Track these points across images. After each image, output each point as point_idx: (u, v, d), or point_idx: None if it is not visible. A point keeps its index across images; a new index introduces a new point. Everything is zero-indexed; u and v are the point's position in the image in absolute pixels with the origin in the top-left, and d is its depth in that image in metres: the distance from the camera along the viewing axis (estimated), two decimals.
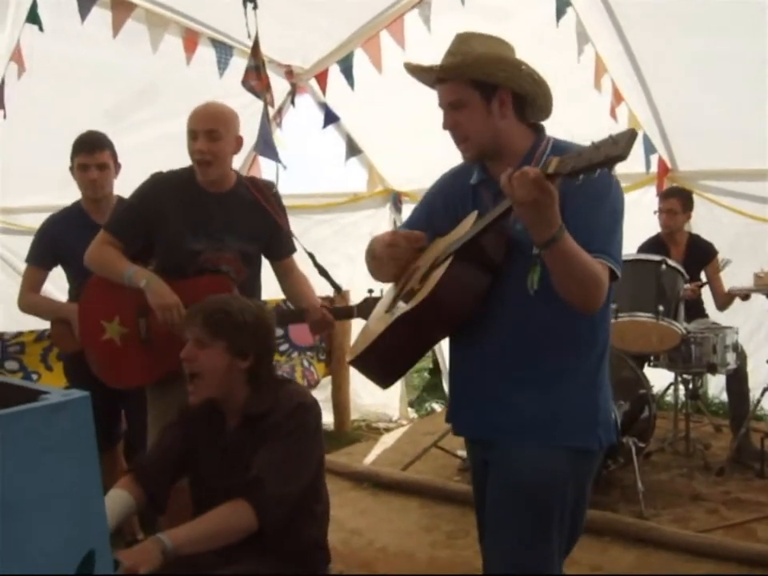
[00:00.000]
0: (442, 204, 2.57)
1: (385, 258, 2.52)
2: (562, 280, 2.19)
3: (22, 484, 1.17)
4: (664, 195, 5.89)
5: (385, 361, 2.45)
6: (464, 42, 2.37)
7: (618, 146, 1.84)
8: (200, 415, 2.86)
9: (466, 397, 2.54)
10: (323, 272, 3.69)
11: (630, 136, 1.84)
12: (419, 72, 2.44)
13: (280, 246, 3.66)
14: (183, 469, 2.91)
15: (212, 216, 3.46)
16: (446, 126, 2.41)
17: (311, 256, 3.74)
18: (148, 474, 2.81)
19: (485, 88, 2.32)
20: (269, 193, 3.60)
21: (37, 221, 4.39)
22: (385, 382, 2.53)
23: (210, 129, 3.36)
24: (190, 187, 3.48)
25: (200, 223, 3.44)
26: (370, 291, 3.46)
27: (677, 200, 5.79)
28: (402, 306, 2.36)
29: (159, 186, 3.50)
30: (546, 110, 2.44)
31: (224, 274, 3.46)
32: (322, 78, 5.55)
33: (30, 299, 4.12)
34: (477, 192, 2.47)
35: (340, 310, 3.55)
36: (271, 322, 2.88)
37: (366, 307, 3.49)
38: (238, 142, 3.50)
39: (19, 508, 1.17)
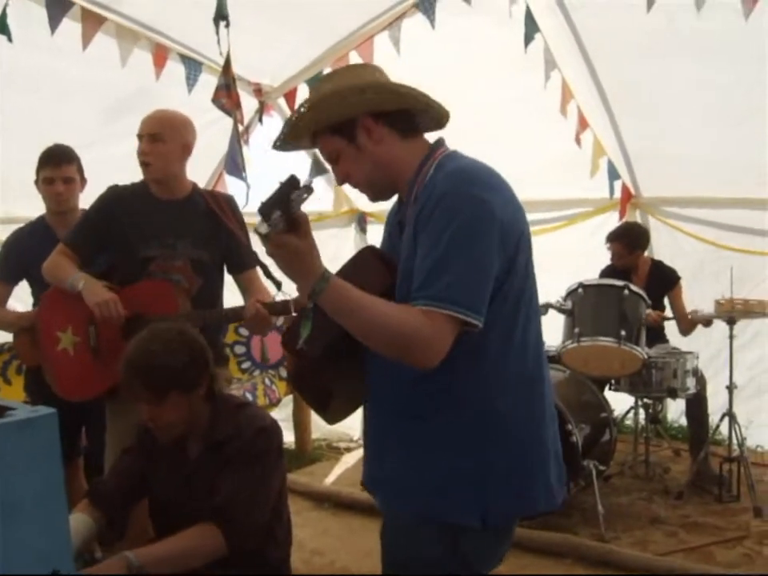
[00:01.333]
0: (387, 233, 2.37)
1: None
2: (356, 335, 1.96)
3: None
4: (608, 237, 5.86)
5: (309, 397, 2.30)
6: (314, 88, 2.22)
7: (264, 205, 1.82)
8: (158, 441, 2.81)
9: (366, 443, 2.37)
10: (263, 267, 3.62)
11: (284, 182, 1.80)
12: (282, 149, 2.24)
13: (237, 259, 3.64)
14: (141, 493, 2.90)
15: (163, 222, 3.48)
16: (338, 182, 2.22)
17: (254, 254, 3.66)
18: (106, 499, 2.78)
19: (342, 128, 2.10)
20: (226, 206, 3.61)
21: (2, 231, 4.35)
22: (321, 414, 2.30)
23: (154, 132, 3.43)
24: (144, 197, 3.53)
25: (151, 230, 3.46)
26: None
27: (619, 244, 5.79)
28: None
29: (113, 196, 3.55)
30: (433, 115, 2.18)
31: (173, 281, 3.45)
32: (290, 97, 5.56)
33: None
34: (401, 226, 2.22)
35: (275, 305, 3.44)
36: (197, 338, 2.77)
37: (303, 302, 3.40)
38: (185, 149, 3.53)
39: None
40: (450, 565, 2.06)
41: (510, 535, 2.21)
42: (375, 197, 2.24)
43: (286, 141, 2.19)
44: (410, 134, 2.15)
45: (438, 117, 2.20)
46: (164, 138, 3.43)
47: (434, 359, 1.92)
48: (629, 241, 5.79)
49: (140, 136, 3.46)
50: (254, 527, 2.65)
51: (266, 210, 1.83)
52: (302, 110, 2.10)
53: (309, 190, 1.83)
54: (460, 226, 1.92)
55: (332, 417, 2.30)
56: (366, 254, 2.26)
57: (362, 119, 2.08)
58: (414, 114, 2.15)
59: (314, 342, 2.02)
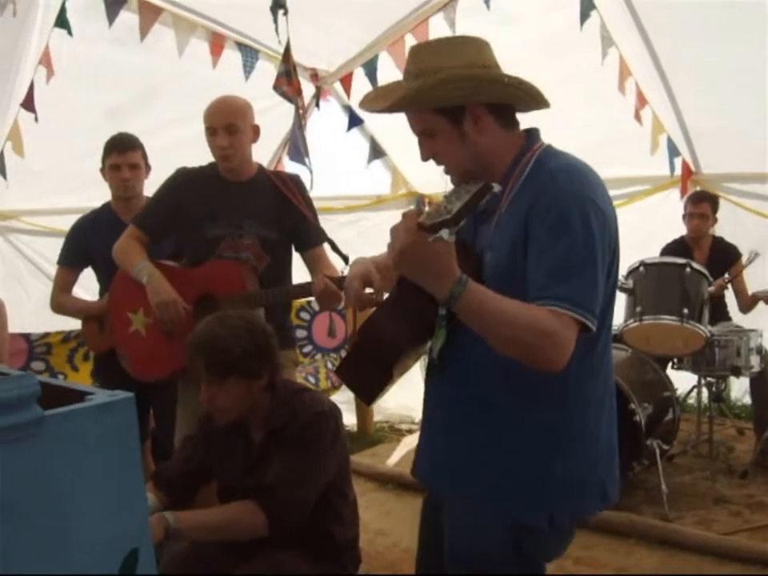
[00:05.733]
0: None
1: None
2: (489, 340, 1.90)
3: (67, 482, 1.20)
4: (696, 199, 5.85)
5: (356, 380, 2.25)
6: (416, 57, 2.09)
7: (457, 203, 1.67)
8: (221, 429, 2.86)
9: (423, 434, 2.35)
10: (330, 242, 3.66)
11: (477, 190, 1.66)
12: (370, 110, 2.21)
13: (306, 236, 3.66)
14: (204, 478, 2.97)
15: (231, 202, 3.52)
16: (423, 158, 2.16)
17: (321, 231, 3.71)
18: (169, 483, 2.86)
19: (450, 112, 2.04)
20: (292, 184, 3.64)
21: (64, 223, 4.44)
22: (363, 398, 2.32)
23: (228, 123, 3.45)
24: (211, 178, 3.57)
25: (219, 210, 3.51)
26: None
27: (709, 204, 5.79)
28: None
29: (181, 178, 3.61)
30: (537, 104, 2.14)
31: (241, 261, 3.50)
32: (346, 81, 5.59)
33: (62, 300, 4.17)
34: None
35: (344, 279, 3.46)
36: (264, 329, 2.80)
37: None
38: (255, 131, 3.58)
39: (64, 506, 1.20)
40: (513, 561, 2.10)
41: (573, 532, 2.24)
42: (460, 180, 2.15)
43: (375, 104, 2.16)
44: (510, 126, 2.13)
45: (529, 107, 2.16)
46: (239, 127, 3.46)
47: (563, 360, 1.89)
48: (715, 203, 5.81)
49: (211, 128, 3.48)
50: (297, 508, 2.69)
51: (444, 213, 1.73)
52: (411, 84, 2.03)
53: (494, 194, 1.77)
54: (580, 229, 1.91)
55: (374, 399, 2.30)
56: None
57: (473, 107, 2.04)
58: (513, 106, 2.13)
59: (402, 334, 2.07)
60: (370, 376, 2.18)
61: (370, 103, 2.20)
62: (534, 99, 2.10)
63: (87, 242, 4.08)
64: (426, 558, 2.45)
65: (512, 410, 2.07)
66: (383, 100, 2.12)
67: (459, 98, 2.01)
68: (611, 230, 2.02)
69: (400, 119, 2.18)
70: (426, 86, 1.99)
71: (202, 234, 3.52)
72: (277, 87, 4.62)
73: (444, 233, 1.73)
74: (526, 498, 2.07)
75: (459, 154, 2.09)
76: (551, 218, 1.90)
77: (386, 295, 2.31)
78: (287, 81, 4.58)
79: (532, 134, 2.16)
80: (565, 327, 1.86)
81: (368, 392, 2.25)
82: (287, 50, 4.53)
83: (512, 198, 2.05)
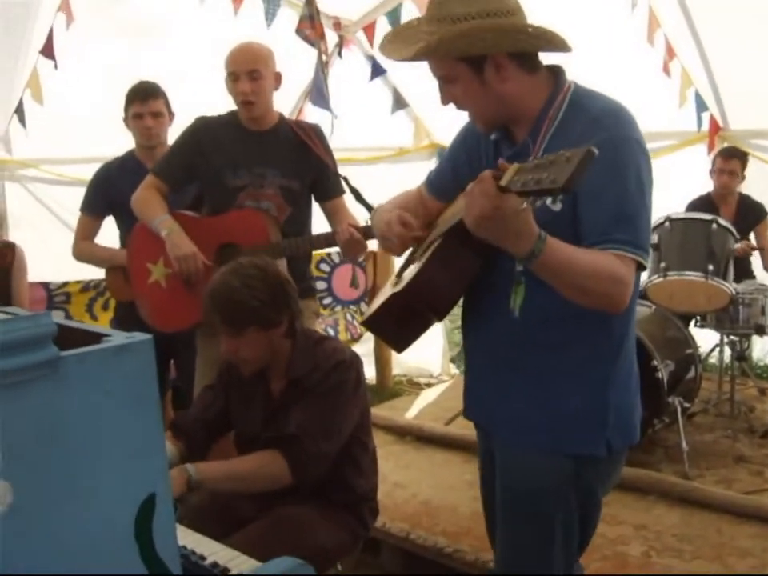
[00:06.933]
0: (466, 157, 2.35)
1: (379, 232, 2.37)
2: (565, 292, 1.95)
3: (85, 425, 1.18)
4: (726, 156, 5.78)
5: (389, 329, 2.36)
6: (440, 4, 2.02)
7: (566, 171, 1.55)
8: (240, 377, 2.85)
9: (473, 378, 2.43)
10: (355, 192, 3.63)
11: (582, 159, 1.55)
12: (389, 56, 2.16)
13: (326, 186, 3.64)
14: (223, 428, 2.96)
15: (252, 152, 3.49)
16: (443, 102, 2.14)
17: (345, 179, 3.68)
18: (187, 432, 2.84)
19: (471, 60, 2.01)
20: (313, 134, 3.61)
21: (85, 171, 4.41)
22: (395, 347, 2.42)
23: (251, 69, 3.41)
24: (231, 127, 3.54)
25: (240, 159, 3.49)
26: None
27: (739, 161, 5.73)
28: (399, 283, 2.26)
29: (201, 127, 3.58)
30: (558, 49, 2.07)
31: (263, 211, 3.47)
32: (369, 31, 5.52)
33: (84, 247, 4.15)
34: (498, 147, 2.21)
35: (369, 228, 3.44)
36: (279, 275, 2.76)
37: None
38: (277, 79, 3.54)
39: (83, 449, 1.18)
40: (574, 492, 2.18)
41: (623, 461, 2.33)
42: (486, 127, 2.18)
43: (394, 52, 2.13)
44: (535, 70, 2.09)
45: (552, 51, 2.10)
46: (261, 73, 3.42)
47: (628, 301, 1.98)
48: (745, 161, 5.76)
49: (233, 74, 3.43)
50: (320, 457, 2.66)
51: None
52: (432, 31, 2.00)
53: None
54: (636, 171, 1.97)
55: (407, 347, 2.36)
56: None
57: (495, 56, 2.00)
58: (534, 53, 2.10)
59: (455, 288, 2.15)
60: (410, 326, 2.26)
61: (389, 47, 2.16)
62: (557, 47, 2.05)
63: (111, 190, 4.04)
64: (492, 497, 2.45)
65: (572, 348, 2.13)
66: (402, 46, 2.10)
67: (482, 49, 1.98)
68: (651, 172, 2.06)
69: (423, 70, 2.14)
70: (446, 37, 1.96)
71: (223, 184, 3.49)
72: (299, 31, 4.56)
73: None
74: (586, 429, 2.15)
75: (482, 101, 2.07)
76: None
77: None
78: (310, 24, 4.52)
79: (558, 74, 2.13)
80: (629, 270, 1.94)
81: (402, 341, 2.33)
82: None
83: (548, 140, 2.03)
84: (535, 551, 2.24)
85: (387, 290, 2.36)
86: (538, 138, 2.04)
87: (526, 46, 2.03)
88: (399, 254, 2.39)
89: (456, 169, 2.38)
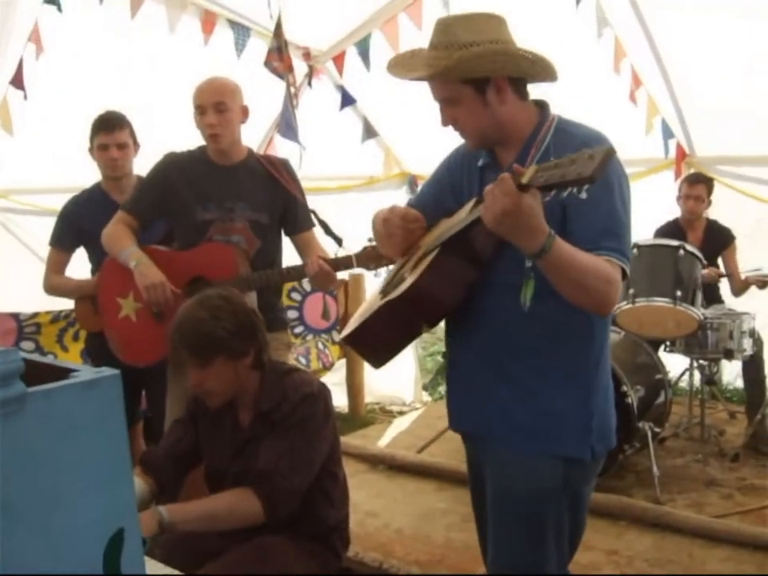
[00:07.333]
0: (449, 183, 2.48)
1: (380, 233, 2.46)
2: (565, 289, 2.08)
3: (52, 461, 1.17)
4: (692, 181, 5.85)
5: (373, 343, 2.39)
6: (446, 30, 2.21)
7: (592, 164, 1.70)
8: (209, 410, 2.84)
9: (460, 387, 2.49)
10: (324, 225, 3.66)
11: (605, 154, 1.71)
12: (403, 77, 2.32)
13: (296, 220, 3.66)
14: (193, 462, 2.94)
15: (221, 186, 3.51)
16: (444, 123, 2.30)
17: (313, 212, 3.71)
18: (156, 467, 2.82)
19: (476, 82, 2.19)
20: (282, 168, 3.64)
21: (55, 201, 4.40)
22: (375, 362, 2.45)
23: (217, 101, 3.44)
24: (200, 162, 3.56)
25: (209, 193, 3.50)
26: (370, 240, 3.20)
27: (704, 187, 5.79)
28: (392, 292, 2.30)
29: (170, 163, 3.59)
30: (549, 78, 2.27)
31: (233, 244, 3.48)
32: (339, 60, 5.54)
33: (55, 281, 4.14)
34: (483, 174, 2.36)
35: (338, 260, 3.45)
36: (245, 306, 2.79)
37: (365, 256, 3.40)
38: (244, 112, 3.57)
39: (49, 485, 1.17)
40: (563, 493, 2.30)
41: (601, 464, 2.46)
42: (478, 146, 2.35)
43: (404, 72, 2.28)
44: (525, 96, 2.30)
45: (543, 81, 2.30)
46: (227, 105, 3.44)
47: (616, 303, 2.20)
48: (710, 186, 5.83)
49: (200, 107, 3.46)
50: (292, 493, 2.66)
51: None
52: (443, 55, 2.17)
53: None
54: (620, 188, 2.17)
55: (384, 362, 2.42)
56: None
57: (497, 79, 2.19)
58: (529, 80, 2.30)
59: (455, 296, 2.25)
60: (396, 337, 2.34)
61: (393, 70, 2.32)
62: (549, 75, 2.26)
63: (79, 223, 4.03)
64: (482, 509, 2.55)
65: (558, 355, 2.28)
66: (403, 71, 2.28)
67: (491, 71, 2.17)
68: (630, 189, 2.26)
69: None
70: (464, 57, 2.14)
71: (193, 218, 3.50)
72: (268, 63, 4.58)
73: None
74: (573, 432, 2.28)
75: (480, 121, 2.25)
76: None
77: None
78: (278, 56, 4.54)
79: (545, 105, 2.34)
80: (618, 274, 2.11)
81: (383, 355, 2.39)
82: (278, 25, 4.49)
83: (537, 161, 2.13)
84: (529, 552, 2.33)
85: (373, 304, 2.39)
86: (526, 162, 2.14)
87: (528, 71, 2.23)
88: (401, 253, 2.45)
89: (438, 195, 2.50)
